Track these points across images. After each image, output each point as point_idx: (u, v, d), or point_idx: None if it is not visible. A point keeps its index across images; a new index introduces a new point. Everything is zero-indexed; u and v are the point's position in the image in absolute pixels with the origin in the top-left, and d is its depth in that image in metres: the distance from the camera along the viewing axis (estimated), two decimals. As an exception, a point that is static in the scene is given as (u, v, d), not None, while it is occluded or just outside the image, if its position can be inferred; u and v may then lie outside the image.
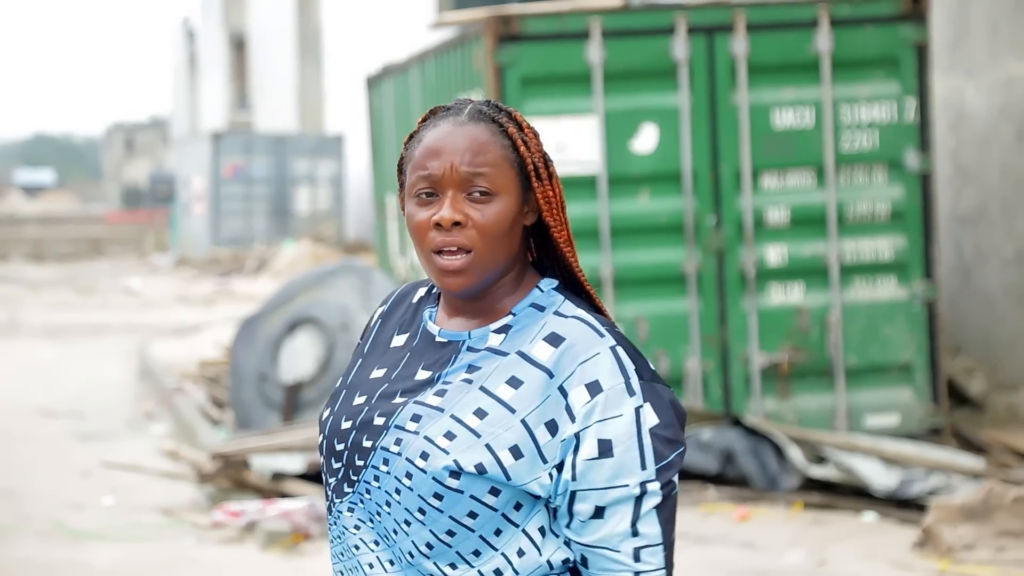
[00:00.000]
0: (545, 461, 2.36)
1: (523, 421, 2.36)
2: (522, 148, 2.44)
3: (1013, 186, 10.74)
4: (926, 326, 9.25)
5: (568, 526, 2.38)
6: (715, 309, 9.11)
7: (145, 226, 41.74)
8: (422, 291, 2.60)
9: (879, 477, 8.36)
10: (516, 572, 2.40)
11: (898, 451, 8.56)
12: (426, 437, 2.37)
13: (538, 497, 2.38)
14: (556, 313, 2.43)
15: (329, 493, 2.52)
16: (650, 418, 2.36)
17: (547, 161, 2.47)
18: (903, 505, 8.27)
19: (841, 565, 7.39)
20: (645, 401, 2.36)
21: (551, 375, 2.37)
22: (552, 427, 2.35)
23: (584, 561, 2.39)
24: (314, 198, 31.41)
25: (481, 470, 2.34)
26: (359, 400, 2.49)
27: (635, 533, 2.35)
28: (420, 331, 2.52)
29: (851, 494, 8.44)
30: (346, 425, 2.48)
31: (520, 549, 2.40)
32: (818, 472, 8.50)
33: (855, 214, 9.19)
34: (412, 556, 2.41)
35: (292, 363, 10.55)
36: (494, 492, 2.36)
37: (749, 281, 9.12)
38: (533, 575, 2.40)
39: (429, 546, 2.38)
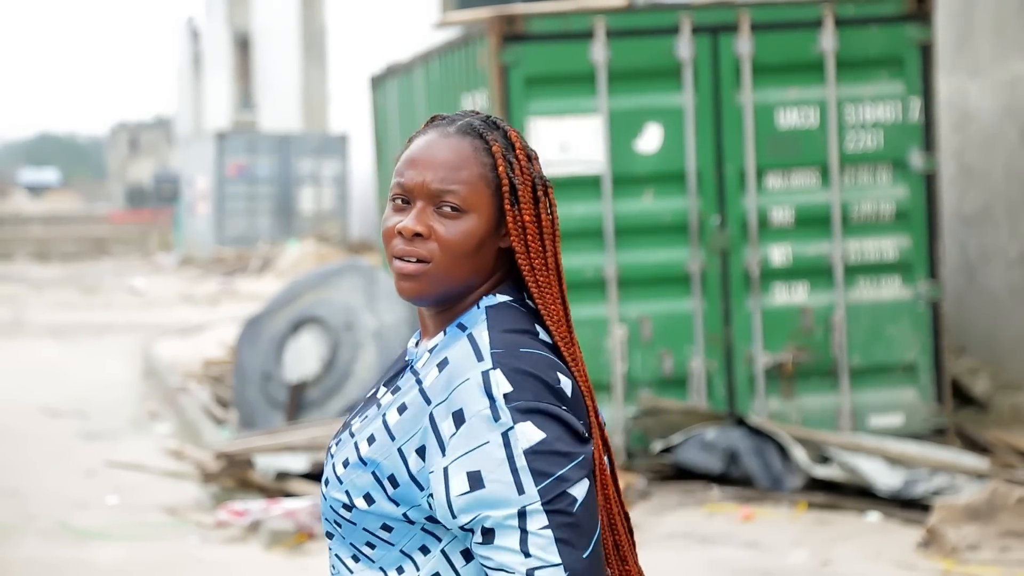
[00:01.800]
0: (421, 488, 2.29)
1: (399, 449, 2.30)
2: (501, 168, 2.34)
3: (1018, 186, 10.73)
4: (930, 326, 9.25)
5: (471, 544, 2.30)
6: (719, 309, 9.11)
7: (149, 225, 41.77)
8: None
9: (883, 477, 8.36)
10: None
11: (902, 451, 8.56)
12: (333, 464, 2.39)
13: (439, 538, 2.32)
14: (470, 336, 2.32)
15: None
16: (525, 439, 2.22)
17: (535, 185, 2.37)
18: (907, 505, 8.26)
19: (845, 565, 7.38)
20: (516, 423, 2.22)
21: (428, 402, 2.29)
22: (422, 453, 2.28)
23: None
24: (318, 197, 31.42)
25: (369, 500, 2.32)
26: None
27: (527, 554, 2.22)
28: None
29: (855, 494, 8.43)
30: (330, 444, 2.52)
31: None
32: (822, 472, 8.50)
33: (859, 214, 9.19)
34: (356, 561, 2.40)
35: (296, 362, 10.55)
36: (386, 528, 2.33)
37: (753, 281, 9.12)
38: None
39: (355, 559, 2.38)
